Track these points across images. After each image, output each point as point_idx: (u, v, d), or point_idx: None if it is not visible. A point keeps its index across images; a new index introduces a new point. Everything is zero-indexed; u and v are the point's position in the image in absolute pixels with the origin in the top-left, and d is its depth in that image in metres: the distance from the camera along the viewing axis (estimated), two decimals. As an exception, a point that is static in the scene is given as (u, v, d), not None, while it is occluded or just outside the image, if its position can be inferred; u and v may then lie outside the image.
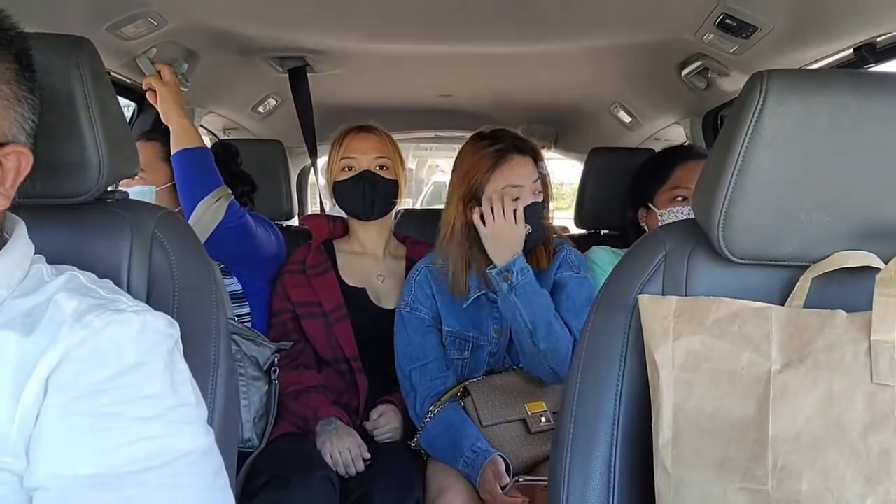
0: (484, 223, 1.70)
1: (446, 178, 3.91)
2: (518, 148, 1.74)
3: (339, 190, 2.00)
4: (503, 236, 1.69)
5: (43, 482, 0.76)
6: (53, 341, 0.79)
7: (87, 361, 0.79)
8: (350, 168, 1.98)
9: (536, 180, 1.74)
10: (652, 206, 1.95)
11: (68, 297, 0.85)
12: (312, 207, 4.08)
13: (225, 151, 2.13)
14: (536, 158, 1.77)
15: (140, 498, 0.76)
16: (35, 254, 0.93)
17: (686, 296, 1.01)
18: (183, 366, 0.88)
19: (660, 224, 1.89)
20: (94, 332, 0.80)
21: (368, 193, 1.96)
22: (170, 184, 1.93)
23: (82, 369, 0.78)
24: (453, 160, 1.86)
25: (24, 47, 0.85)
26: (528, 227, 1.71)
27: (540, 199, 1.75)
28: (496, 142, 1.74)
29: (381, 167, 1.98)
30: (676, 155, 2.00)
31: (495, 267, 1.69)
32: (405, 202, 2.12)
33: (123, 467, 0.76)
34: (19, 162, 0.85)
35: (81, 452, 0.76)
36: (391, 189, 2.00)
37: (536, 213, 1.73)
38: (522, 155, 1.74)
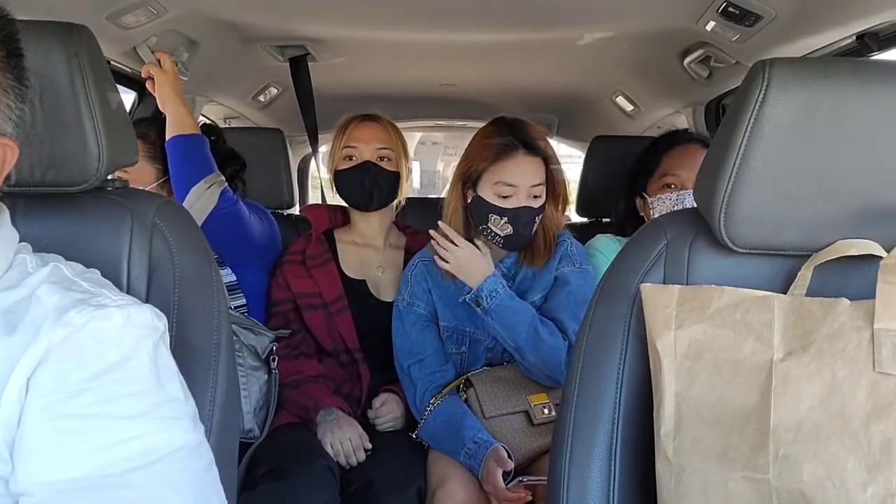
0: (445, 260, 1.70)
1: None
2: (528, 146, 1.67)
3: (339, 179, 1.99)
4: (467, 265, 1.68)
5: (27, 488, 0.73)
6: (33, 340, 0.76)
7: (68, 361, 0.76)
8: (351, 157, 1.97)
9: (538, 185, 1.68)
10: (645, 195, 1.97)
11: (50, 291, 0.82)
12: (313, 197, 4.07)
13: (209, 132, 2.10)
14: (548, 162, 1.71)
15: (129, 499, 0.74)
16: (29, 242, 0.90)
17: (688, 285, 1.00)
18: (170, 360, 0.85)
19: (651, 211, 1.90)
20: (75, 330, 0.77)
21: (368, 185, 1.95)
22: (157, 182, 1.90)
23: (63, 369, 0.76)
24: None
25: (11, 31, 0.81)
26: (510, 228, 1.68)
27: (536, 204, 1.69)
28: (508, 134, 1.68)
29: (383, 158, 1.97)
30: (663, 143, 2.02)
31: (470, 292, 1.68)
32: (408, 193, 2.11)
33: (110, 469, 0.74)
34: (4, 154, 0.81)
35: (65, 456, 0.74)
36: (392, 181, 1.98)
37: (522, 219, 1.68)
38: (530, 155, 1.68)
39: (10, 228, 0.88)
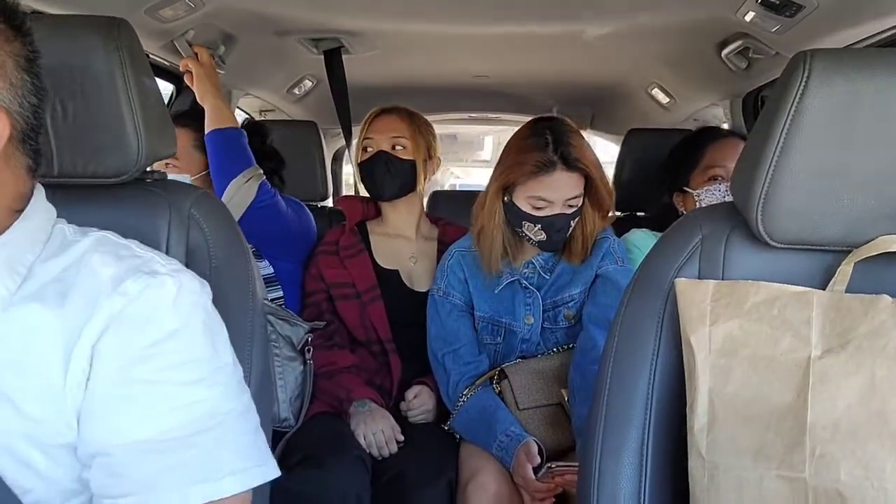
0: None
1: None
2: (566, 162, 1.64)
3: (361, 172, 2.02)
4: None
5: (97, 451, 0.78)
6: (94, 310, 0.80)
7: (129, 329, 0.80)
8: (368, 149, 2.00)
9: (575, 198, 1.67)
10: (687, 189, 1.93)
11: (103, 261, 0.85)
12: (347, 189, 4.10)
13: (256, 130, 2.13)
14: (587, 175, 1.67)
15: (191, 460, 0.78)
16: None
17: (723, 280, 0.99)
18: (220, 326, 0.89)
19: (697, 203, 1.87)
20: (133, 299, 0.81)
21: (380, 173, 1.97)
22: (204, 172, 1.94)
23: (125, 337, 0.80)
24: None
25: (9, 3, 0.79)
26: (543, 234, 1.68)
27: (571, 210, 1.67)
28: (547, 147, 1.64)
29: (396, 147, 1.98)
30: (706, 135, 1.99)
31: None
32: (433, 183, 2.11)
33: (173, 432, 0.78)
34: None
35: (131, 420, 0.78)
36: (405, 169, 1.98)
37: (556, 226, 1.67)
38: (569, 171, 1.64)
39: (45, 203, 0.90)
